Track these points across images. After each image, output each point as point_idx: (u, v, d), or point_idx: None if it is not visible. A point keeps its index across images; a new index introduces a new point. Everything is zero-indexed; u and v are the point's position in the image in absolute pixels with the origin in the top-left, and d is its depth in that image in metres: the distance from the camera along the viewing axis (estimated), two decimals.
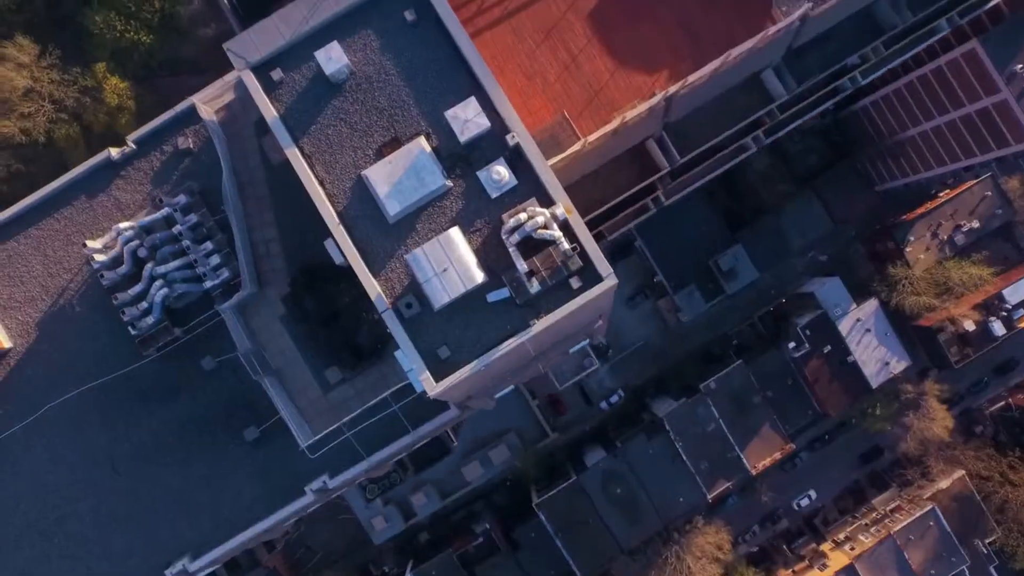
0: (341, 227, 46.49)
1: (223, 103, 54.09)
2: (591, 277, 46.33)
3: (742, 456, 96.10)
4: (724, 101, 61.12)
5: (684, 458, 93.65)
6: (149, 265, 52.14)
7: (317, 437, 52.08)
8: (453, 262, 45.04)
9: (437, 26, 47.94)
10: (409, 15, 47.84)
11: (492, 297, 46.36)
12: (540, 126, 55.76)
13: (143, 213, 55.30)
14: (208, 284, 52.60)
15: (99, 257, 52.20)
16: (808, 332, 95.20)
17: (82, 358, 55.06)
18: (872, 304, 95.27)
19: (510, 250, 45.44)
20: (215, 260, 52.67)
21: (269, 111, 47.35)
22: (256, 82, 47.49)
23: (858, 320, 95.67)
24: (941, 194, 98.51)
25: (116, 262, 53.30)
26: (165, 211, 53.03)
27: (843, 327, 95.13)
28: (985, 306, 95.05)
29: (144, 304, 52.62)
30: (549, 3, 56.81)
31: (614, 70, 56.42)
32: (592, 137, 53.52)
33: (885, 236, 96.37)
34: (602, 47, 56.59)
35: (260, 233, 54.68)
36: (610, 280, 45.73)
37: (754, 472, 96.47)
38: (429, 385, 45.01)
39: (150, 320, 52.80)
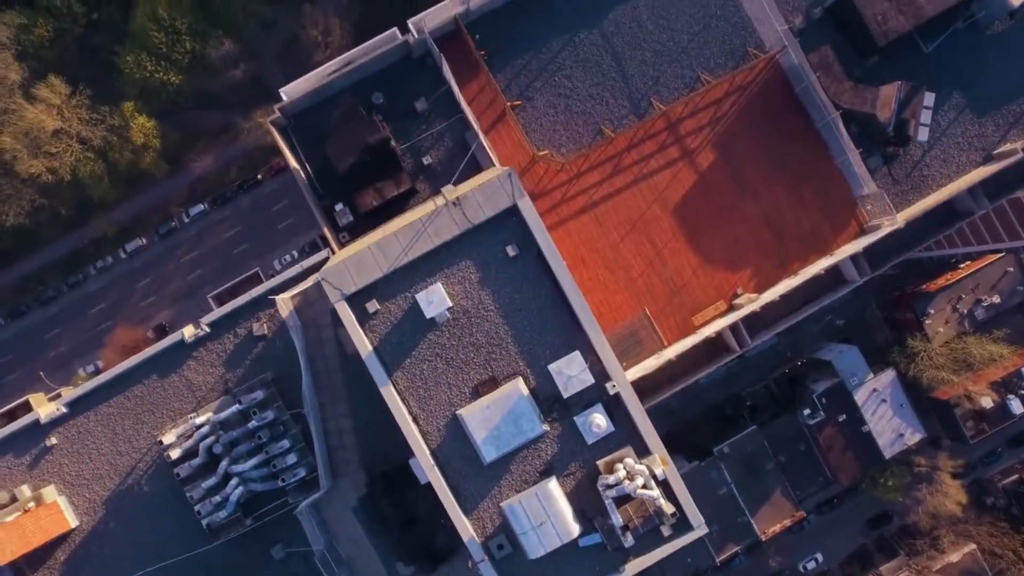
0: (436, 469, 46.05)
1: (300, 291, 52.78)
2: (682, 525, 46.51)
3: (752, 521, 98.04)
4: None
5: None
6: (225, 462, 51.61)
7: None
8: (550, 516, 45.04)
9: (539, 261, 46.90)
10: (511, 250, 46.72)
11: (584, 542, 46.61)
12: (621, 322, 55.14)
13: (215, 396, 54.25)
14: (284, 483, 52.05)
15: (174, 454, 51.46)
16: (824, 400, 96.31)
17: (149, 538, 54.66)
18: (889, 375, 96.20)
19: (606, 502, 45.46)
20: (291, 459, 52.19)
21: (363, 345, 46.37)
22: (351, 313, 46.35)
23: (874, 390, 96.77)
24: (962, 265, 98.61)
25: (190, 455, 52.54)
26: (240, 406, 52.04)
27: (859, 397, 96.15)
28: (1004, 383, 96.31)
29: (218, 498, 52.12)
30: (635, 194, 55.63)
31: (697, 267, 55.70)
32: (675, 352, 52.98)
33: (904, 306, 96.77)
34: (687, 242, 55.73)
35: (334, 423, 54.05)
36: (701, 530, 45.99)
37: (763, 538, 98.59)
38: None
39: (223, 514, 52.39)
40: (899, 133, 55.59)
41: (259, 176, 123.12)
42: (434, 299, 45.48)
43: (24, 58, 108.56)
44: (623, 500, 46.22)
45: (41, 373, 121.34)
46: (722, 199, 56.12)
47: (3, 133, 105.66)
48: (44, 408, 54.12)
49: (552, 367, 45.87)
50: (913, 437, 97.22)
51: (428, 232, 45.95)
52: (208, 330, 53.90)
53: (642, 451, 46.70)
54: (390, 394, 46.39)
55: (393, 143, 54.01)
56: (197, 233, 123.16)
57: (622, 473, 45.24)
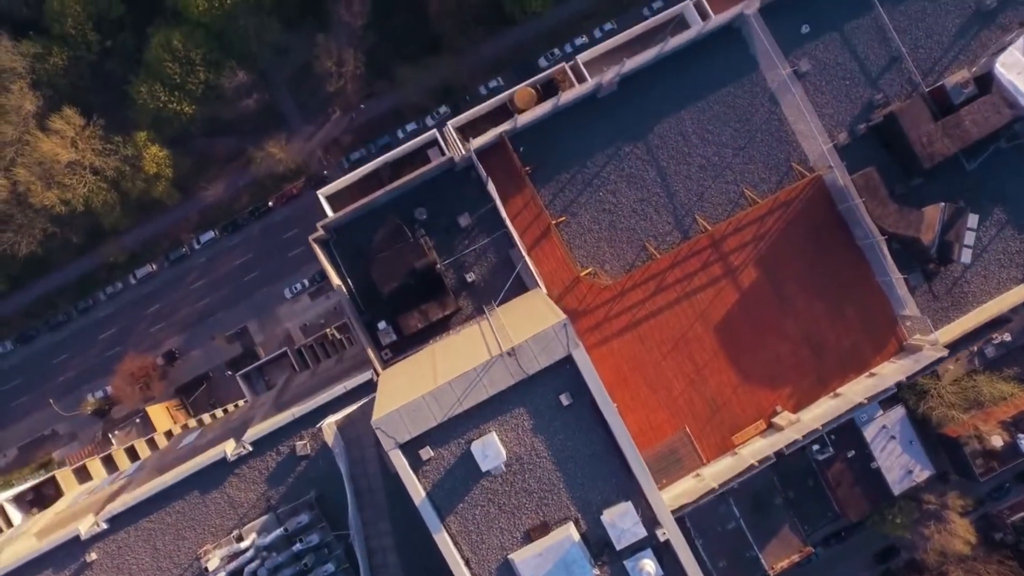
0: None
1: (345, 414, 52.93)
2: None
3: (760, 556, 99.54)
4: None
5: (703, 556, 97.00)
6: None
7: None
8: None
9: (592, 409, 47.10)
10: (565, 399, 46.90)
11: None
12: (661, 440, 55.59)
13: (257, 513, 54.54)
14: None
15: None
16: (833, 436, 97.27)
17: None
18: (899, 411, 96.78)
19: None
20: None
21: (416, 491, 46.66)
22: (404, 461, 46.51)
23: (884, 427, 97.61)
24: None
25: None
26: (286, 532, 52.36)
27: (868, 433, 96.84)
28: (1014, 422, 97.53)
29: None
30: (678, 312, 55.73)
31: (738, 385, 56.08)
32: (714, 474, 53.53)
33: None
34: (728, 360, 56.03)
35: (377, 541, 54.49)
36: None
37: (771, 573, 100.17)
38: None
39: None
40: (942, 255, 55.72)
41: (270, 203, 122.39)
42: (490, 452, 45.68)
43: (38, 86, 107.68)
44: None
45: (51, 401, 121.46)
46: (763, 317, 56.28)
47: (18, 165, 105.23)
48: (84, 524, 54.21)
49: (605, 518, 46.34)
50: (922, 474, 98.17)
51: (483, 382, 45.96)
52: (251, 448, 53.97)
53: None
54: (443, 540, 46.78)
55: (439, 267, 53.68)
56: (207, 260, 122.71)
57: None
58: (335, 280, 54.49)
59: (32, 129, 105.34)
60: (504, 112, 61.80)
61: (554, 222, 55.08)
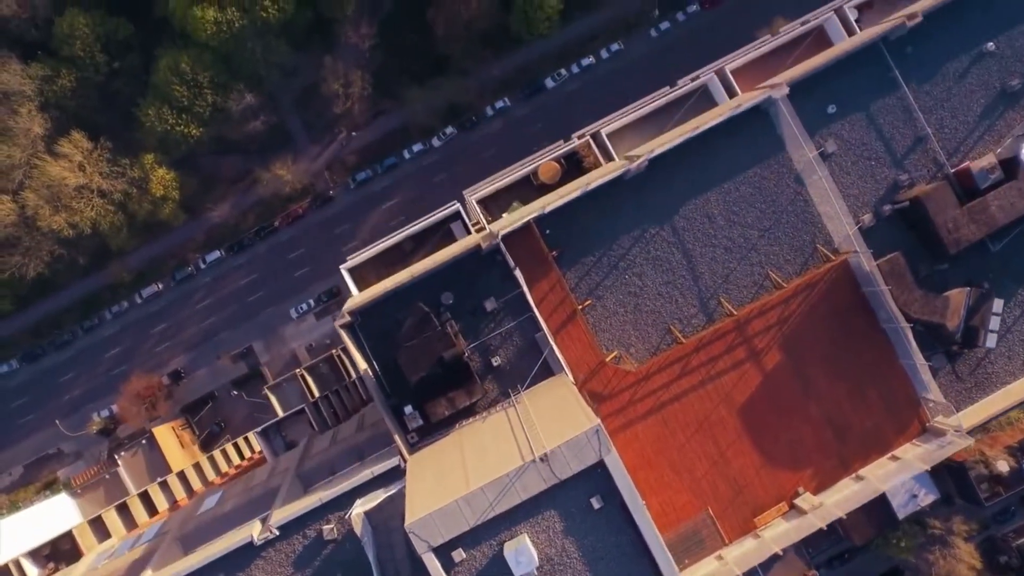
0: None
1: (375, 504, 53.24)
2: None
3: None
4: None
5: None
6: None
7: None
8: None
9: (622, 511, 47.55)
10: (596, 502, 47.31)
11: None
12: (684, 521, 56.11)
13: None
14: None
15: None
16: None
17: None
18: None
19: None
20: None
21: None
22: (437, 563, 46.93)
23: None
24: None
25: None
26: None
27: None
28: (1020, 447, 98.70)
29: None
30: (702, 396, 56.06)
31: (760, 467, 56.55)
32: (736, 558, 54.19)
33: None
34: (751, 442, 56.47)
35: None
36: None
37: None
38: None
39: None
40: (967, 340, 56.07)
41: (276, 223, 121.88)
42: (523, 558, 46.15)
43: (46, 108, 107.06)
44: None
45: (57, 422, 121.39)
46: (786, 399, 56.64)
47: (26, 188, 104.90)
48: None
49: None
50: (927, 498, 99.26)
51: (516, 487, 46.26)
52: (277, 532, 54.19)
53: None
54: None
55: (466, 356, 53.79)
56: (213, 279, 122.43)
57: None
58: (362, 365, 54.49)
59: (40, 152, 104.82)
60: (527, 184, 61.63)
61: (580, 307, 55.04)
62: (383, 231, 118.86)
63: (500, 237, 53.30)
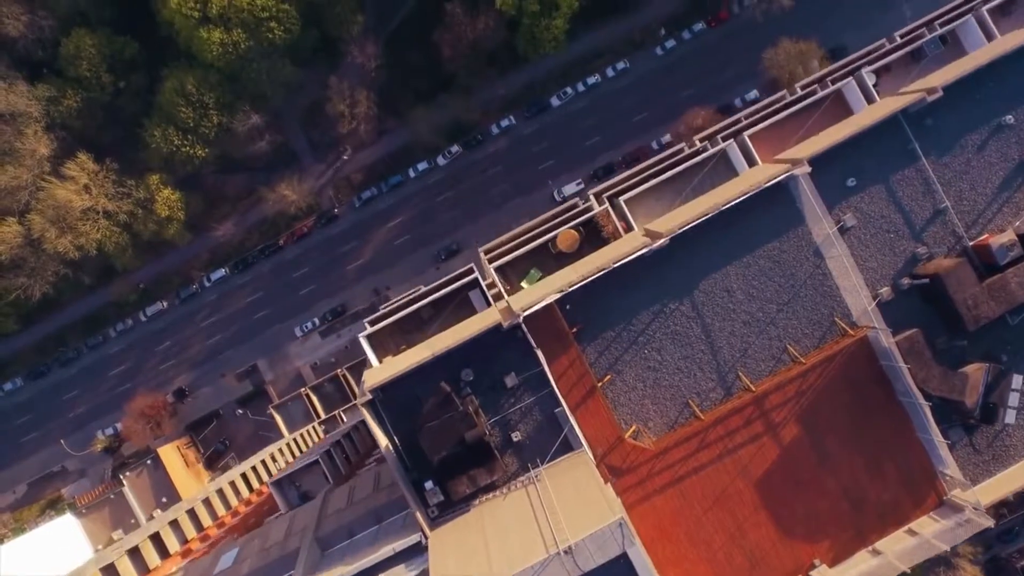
0: None
1: None
2: None
3: None
4: None
5: None
6: None
7: None
8: None
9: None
10: None
11: None
12: None
13: None
14: None
15: None
16: None
17: None
18: None
19: None
20: None
21: None
22: None
23: None
24: None
25: None
26: None
27: None
28: None
29: None
30: (720, 469, 56.47)
31: (777, 539, 57.08)
32: None
33: None
34: (768, 515, 56.96)
35: None
36: None
37: None
38: None
39: None
40: (985, 417, 56.49)
41: (281, 241, 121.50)
42: None
43: (52, 128, 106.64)
44: None
45: (61, 440, 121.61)
46: (803, 472, 57.06)
47: (32, 211, 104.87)
48: None
49: None
50: None
51: None
52: None
53: None
54: None
55: (487, 434, 54.02)
56: (218, 298, 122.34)
57: None
58: (383, 441, 54.61)
59: (46, 173, 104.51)
60: (544, 251, 61.54)
61: (599, 384, 55.21)
62: (388, 250, 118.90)
63: (522, 319, 53.21)
